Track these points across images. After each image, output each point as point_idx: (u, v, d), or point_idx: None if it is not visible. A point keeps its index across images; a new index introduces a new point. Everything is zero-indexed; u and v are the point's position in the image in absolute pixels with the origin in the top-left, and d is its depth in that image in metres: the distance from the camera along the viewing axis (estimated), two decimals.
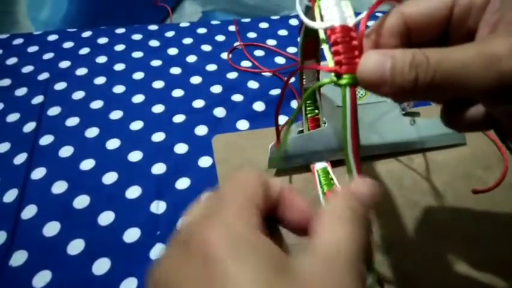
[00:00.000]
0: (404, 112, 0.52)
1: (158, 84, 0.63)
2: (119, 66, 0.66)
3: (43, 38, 0.72)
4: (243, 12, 1.15)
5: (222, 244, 0.17)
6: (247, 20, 0.79)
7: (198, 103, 0.60)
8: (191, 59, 0.69)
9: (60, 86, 0.63)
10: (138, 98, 0.61)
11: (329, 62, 0.23)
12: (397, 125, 0.51)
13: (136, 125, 0.57)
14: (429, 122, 0.51)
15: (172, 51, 0.70)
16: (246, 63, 0.68)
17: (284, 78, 0.64)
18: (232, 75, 0.66)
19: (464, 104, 0.26)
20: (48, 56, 0.68)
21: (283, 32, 0.76)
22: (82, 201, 0.48)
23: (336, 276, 0.17)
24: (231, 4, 1.21)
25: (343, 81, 0.22)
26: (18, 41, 0.71)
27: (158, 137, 0.55)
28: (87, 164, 0.52)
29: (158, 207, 0.47)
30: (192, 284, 0.17)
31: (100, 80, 0.64)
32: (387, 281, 0.40)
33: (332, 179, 0.46)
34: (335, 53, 0.23)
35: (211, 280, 0.16)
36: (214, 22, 0.78)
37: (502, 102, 0.23)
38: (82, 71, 0.65)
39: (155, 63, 0.67)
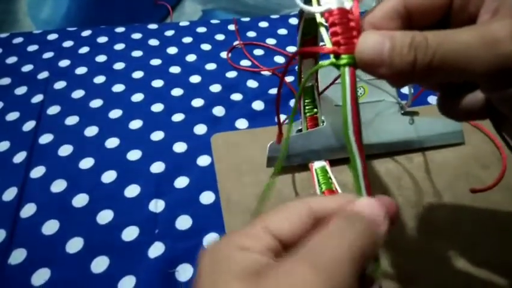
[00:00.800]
0: (403, 111, 0.52)
1: (157, 83, 0.63)
2: (118, 65, 0.67)
3: (43, 37, 0.72)
4: (243, 11, 1.15)
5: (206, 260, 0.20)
6: (247, 19, 0.79)
7: (197, 102, 0.60)
8: (190, 58, 0.69)
9: (59, 85, 0.63)
10: (137, 97, 0.61)
11: (327, 43, 0.23)
12: (396, 124, 0.51)
13: (135, 124, 0.57)
14: (428, 121, 0.51)
15: (172, 50, 0.70)
16: (245, 63, 0.68)
17: (285, 79, 0.64)
18: (231, 74, 0.66)
19: (461, 91, 0.26)
20: (48, 55, 0.68)
21: (282, 31, 0.76)
22: (81, 200, 0.48)
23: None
24: (231, 3, 1.20)
25: (342, 62, 0.22)
26: (18, 40, 0.72)
27: (157, 135, 0.55)
28: (86, 163, 0.52)
29: (157, 205, 0.47)
30: None
31: (99, 79, 0.64)
32: (385, 280, 0.41)
33: (330, 178, 0.46)
34: (332, 34, 0.22)
35: None
36: (213, 21, 0.78)
37: (500, 86, 0.22)
38: (81, 70, 0.66)
39: (155, 62, 0.68)
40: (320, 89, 0.48)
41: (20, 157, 0.52)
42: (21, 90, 0.62)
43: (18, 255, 0.43)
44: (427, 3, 0.25)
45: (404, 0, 0.25)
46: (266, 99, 0.61)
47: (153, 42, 0.72)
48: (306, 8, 0.24)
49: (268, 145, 0.48)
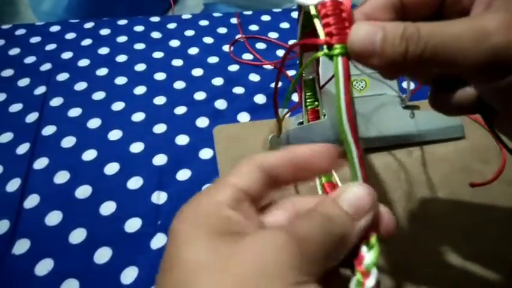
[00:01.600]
0: (403, 105, 0.52)
1: (160, 76, 0.64)
2: (121, 58, 0.67)
3: (45, 28, 0.72)
4: (244, 4, 1.15)
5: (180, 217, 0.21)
6: (249, 12, 0.79)
7: (199, 95, 0.61)
8: (193, 51, 0.69)
9: (62, 76, 0.63)
10: (140, 90, 0.61)
11: (320, 34, 0.23)
12: (396, 118, 0.52)
13: (138, 117, 0.57)
14: (428, 115, 0.52)
15: (174, 43, 0.70)
16: (247, 56, 0.68)
17: (286, 72, 0.64)
18: (233, 67, 0.66)
19: (452, 85, 0.26)
20: (50, 46, 0.68)
21: (285, 25, 0.76)
22: (83, 191, 0.48)
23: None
24: None
25: (334, 52, 0.22)
26: (21, 31, 0.72)
27: (159, 128, 0.56)
28: (89, 155, 0.52)
29: (159, 197, 0.48)
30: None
31: (102, 71, 0.64)
32: (383, 272, 0.41)
33: None
34: (325, 25, 0.23)
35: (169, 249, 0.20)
36: (216, 14, 0.78)
37: (490, 78, 0.23)
38: (84, 62, 0.66)
39: (157, 55, 0.68)
40: (322, 82, 0.48)
41: (23, 148, 0.53)
42: (24, 82, 0.62)
43: (21, 246, 0.43)
44: None
45: None
46: (268, 92, 0.61)
47: (155, 35, 0.72)
48: (301, 0, 0.24)
49: (270, 137, 0.48)
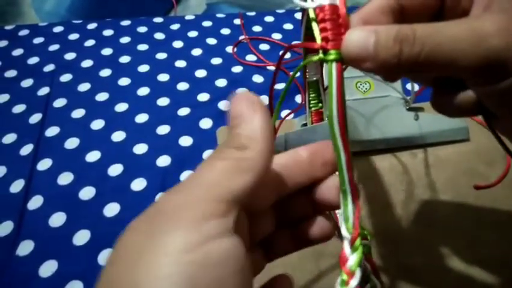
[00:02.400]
0: (407, 107, 0.52)
1: (163, 77, 0.64)
2: (124, 59, 0.67)
3: (49, 29, 0.72)
4: (247, 4, 1.15)
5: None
6: (253, 13, 0.79)
7: (203, 96, 0.61)
8: (196, 52, 0.69)
9: (65, 77, 0.63)
10: (143, 91, 0.61)
11: (317, 39, 0.23)
12: (401, 119, 0.52)
13: (141, 118, 0.57)
14: (432, 117, 0.52)
15: (177, 44, 0.70)
16: (251, 57, 0.68)
17: (289, 73, 0.64)
18: (237, 69, 0.66)
19: (454, 87, 0.26)
20: (53, 47, 0.68)
21: (288, 26, 0.76)
22: (87, 193, 0.48)
23: None
24: None
25: (329, 57, 0.22)
26: (24, 32, 0.72)
27: (163, 129, 0.56)
28: (92, 156, 0.52)
29: None
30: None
31: (105, 72, 0.64)
32: (387, 274, 0.41)
33: None
34: (322, 30, 0.23)
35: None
36: (219, 15, 0.78)
37: (487, 81, 0.22)
38: (87, 63, 0.66)
39: (161, 56, 0.68)
40: (326, 84, 0.48)
41: (27, 149, 0.53)
42: (27, 83, 0.62)
43: (25, 247, 0.43)
44: None
45: None
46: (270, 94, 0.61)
47: (159, 35, 0.72)
48: (300, 3, 0.24)
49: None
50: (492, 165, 0.50)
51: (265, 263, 0.26)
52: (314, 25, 0.23)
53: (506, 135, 0.27)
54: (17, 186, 0.49)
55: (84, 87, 0.62)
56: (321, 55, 0.23)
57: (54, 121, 0.56)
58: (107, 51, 0.68)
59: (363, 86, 0.52)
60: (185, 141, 0.54)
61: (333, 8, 0.23)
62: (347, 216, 0.22)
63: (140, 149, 0.53)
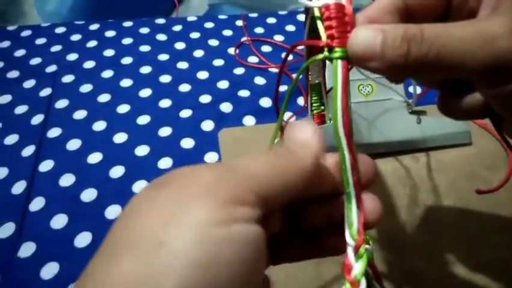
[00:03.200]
0: (410, 110, 0.52)
1: (165, 79, 0.64)
2: (126, 60, 0.67)
3: (51, 30, 0.72)
4: (249, 5, 1.15)
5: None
6: (255, 14, 0.79)
7: (205, 98, 0.61)
8: (198, 53, 0.69)
9: (68, 78, 0.63)
10: (145, 92, 0.61)
11: (322, 36, 0.23)
12: (403, 123, 0.52)
13: (143, 120, 0.57)
14: (435, 121, 0.52)
15: (180, 45, 0.70)
16: (252, 59, 0.68)
17: (291, 75, 0.64)
18: (239, 70, 0.66)
19: (461, 90, 0.26)
20: (56, 48, 0.68)
21: (290, 28, 0.76)
22: (89, 195, 0.48)
23: None
24: None
25: (335, 55, 0.22)
26: (27, 32, 0.72)
27: (164, 131, 0.56)
28: (94, 158, 0.52)
29: None
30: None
31: (107, 74, 0.64)
32: (389, 279, 0.41)
33: None
34: (327, 28, 0.23)
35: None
36: (221, 17, 0.78)
37: (495, 83, 0.22)
38: (89, 64, 0.66)
39: (163, 57, 0.68)
40: (328, 87, 0.48)
41: (28, 150, 0.53)
42: (29, 84, 0.62)
43: (27, 249, 0.43)
44: None
45: None
46: (274, 96, 0.61)
47: (161, 37, 0.72)
48: (305, 2, 0.24)
49: (275, 142, 0.48)
50: (494, 169, 0.50)
51: (270, 264, 0.26)
52: (319, 23, 0.23)
53: None
54: (18, 187, 0.49)
55: (86, 88, 0.62)
56: (326, 53, 0.22)
57: (56, 122, 0.56)
58: (109, 52, 0.68)
59: (365, 89, 0.52)
60: (187, 143, 0.54)
61: (339, 6, 0.22)
62: (351, 222, 0.22)
63: (142, 150, 0.53)
